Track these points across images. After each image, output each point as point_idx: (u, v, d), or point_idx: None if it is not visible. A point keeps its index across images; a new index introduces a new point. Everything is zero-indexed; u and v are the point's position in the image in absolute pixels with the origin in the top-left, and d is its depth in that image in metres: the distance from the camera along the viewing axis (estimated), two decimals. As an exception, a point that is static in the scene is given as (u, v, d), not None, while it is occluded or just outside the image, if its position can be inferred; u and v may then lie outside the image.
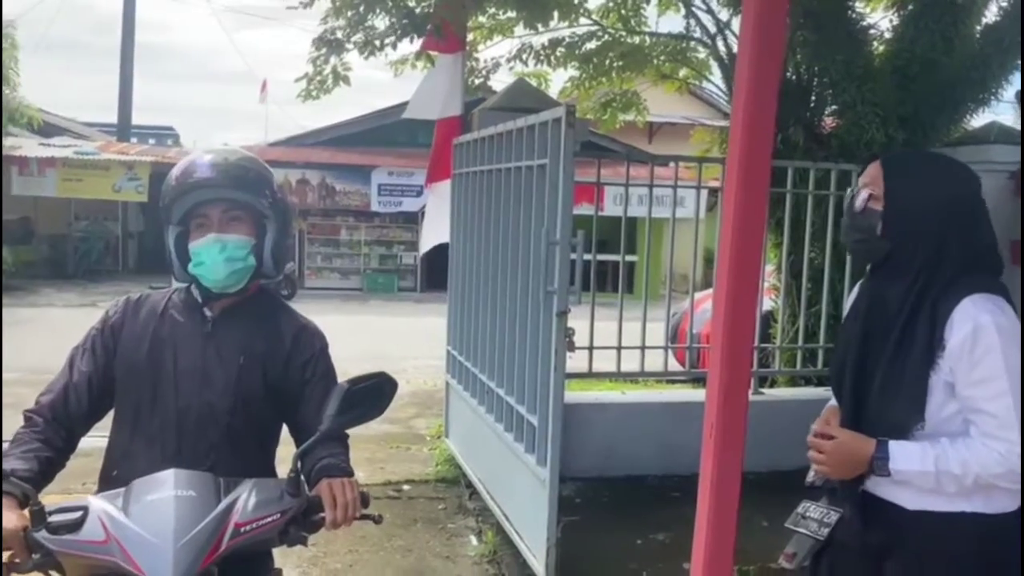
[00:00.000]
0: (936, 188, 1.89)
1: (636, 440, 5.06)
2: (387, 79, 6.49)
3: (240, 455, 1.87)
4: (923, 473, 1.78)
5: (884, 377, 1.85)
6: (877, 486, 1.91)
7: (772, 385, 5.95)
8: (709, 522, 2.46)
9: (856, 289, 2.16)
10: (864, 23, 6.04)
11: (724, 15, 6.70)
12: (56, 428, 1.85)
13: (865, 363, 1.92)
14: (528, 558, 3.64)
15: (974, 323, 1.74)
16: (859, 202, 1.96)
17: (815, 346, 5.43)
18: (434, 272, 17.42)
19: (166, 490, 1.59)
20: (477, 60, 7.66)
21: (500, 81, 8.39)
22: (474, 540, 4.34)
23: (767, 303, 5.97)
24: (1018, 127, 5.85)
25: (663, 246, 5.04)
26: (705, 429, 2.52)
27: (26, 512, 1.59)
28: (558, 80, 9.11)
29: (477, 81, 7.35)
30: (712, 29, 6.77)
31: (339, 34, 4.78)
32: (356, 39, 4.85)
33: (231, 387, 1.90)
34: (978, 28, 5.91)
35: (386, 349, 9.78)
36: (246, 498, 1.62)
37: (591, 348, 4.84)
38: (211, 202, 1.88)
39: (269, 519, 1.62)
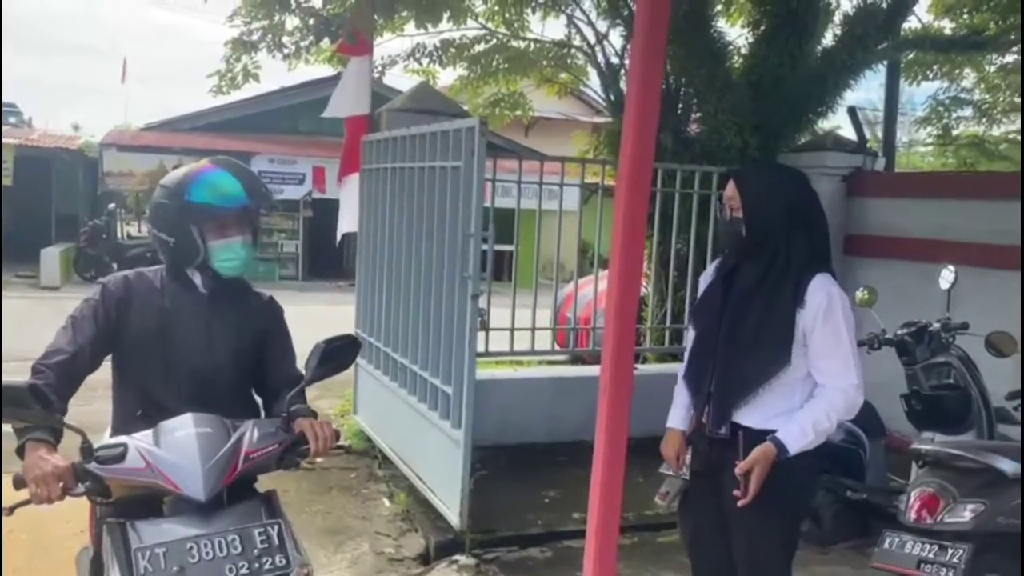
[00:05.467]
0: (778, 195, 2.52)
1: (526, 412, 5.63)
2: (264, 64, 6.65)
3: (240, 401, 2.35)
4: (809, 442, 2.40)
5: (757, 328, 2.45)
6: (740, 417, 2.49)
7: (644, 362, 6.65)
8: (603, 471, 3.01)
9: (710, 270, 2.78)
10: (724, 41, 6.82)
11: (603, 27, 7.35)
12: (64, 380, 2.17)
13: (735, 321, 2.51)
14: (443, 510, 4.14)
15: (827, 293, 2.41)
16: (726, 215, 2.58)
17: (681, 326, 6.14)
18: (316, 261, 17.46)
19: (188, 428, 2.03)
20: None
21: (394, 75, 8.80)
22: (387, 502, 4.80)
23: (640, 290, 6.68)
24: (852, 137, 6.81)
25: (545, 237, 5.59)
26: (600, 395, 3.07)
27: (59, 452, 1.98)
28: (446, 77, 9.57)
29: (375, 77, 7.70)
30: (592, 39, 7.40)
31: (255, 36, 5.08)
32: (268, 41, 5.15)
33: (233, 350, 2.36)
34: (818, 49, 6.79)
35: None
36: (251, 433, 2.10)
37: (487, 329, 5.35)
38: (234, 209, 2.31)
39: (270, 448, 2.10)
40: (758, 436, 2.46)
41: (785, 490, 2.46)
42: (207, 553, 1.85)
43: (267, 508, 2.05)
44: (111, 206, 15.88)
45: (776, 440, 2.40)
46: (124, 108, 58.01)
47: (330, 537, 4.26)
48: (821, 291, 2.40)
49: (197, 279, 2.37)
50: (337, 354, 2.24)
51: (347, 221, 5.54)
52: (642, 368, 6.32)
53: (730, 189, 2.58)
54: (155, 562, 1.82)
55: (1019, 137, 9.57)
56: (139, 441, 1.99)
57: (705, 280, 2.77)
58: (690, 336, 2.78)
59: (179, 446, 1.98)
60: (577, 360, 7.48)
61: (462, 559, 3.97)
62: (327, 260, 16.03)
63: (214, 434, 2.03)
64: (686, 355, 2.77)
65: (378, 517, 4.59)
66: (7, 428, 2.05)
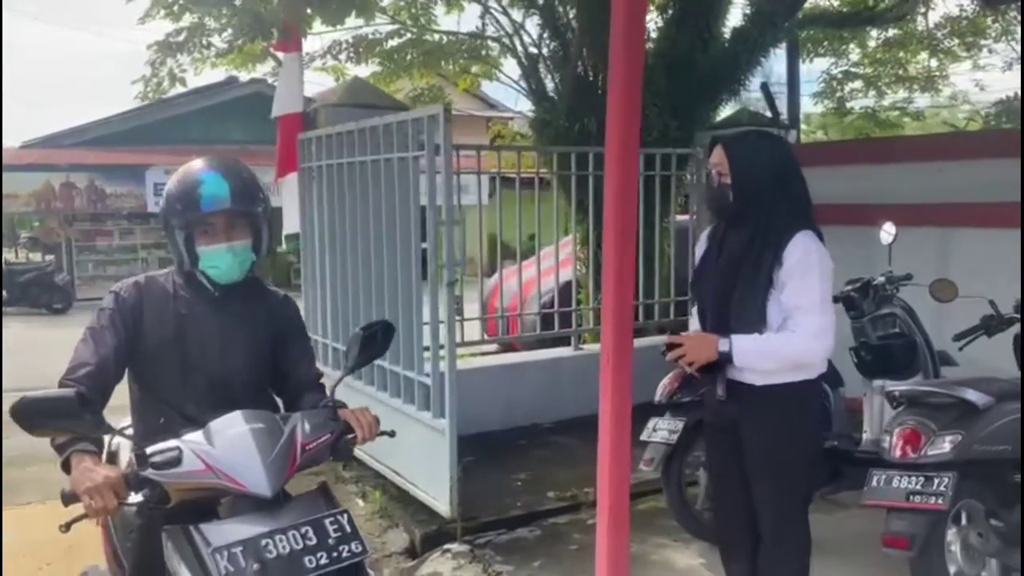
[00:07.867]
0: (765, 160, 2.65)
1: (480, 401, 5.63)
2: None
3: (261, 403, 2.27)
4: (750, 363, 2.54)
5: (744, 290, 2.58)
6: (735, 374, 2.63)
7: (583, 342, 6.75)
8: (612, 443, 3.08)
9: (704, 237, 2.89)
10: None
11: (518, 16, 7.42)
12: (96, 392, 2.07)
13: (726, 284, 2.64)
14: (428, 501, 4.13)
15: (804, 249, 2.53)
16: (714, 181, 2.69)
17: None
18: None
19: (240, 426, 1.98)
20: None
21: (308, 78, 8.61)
22: (360, 502, 4.74)
23: (569, 274, 6.78)
24: (765, 112, 7.13)
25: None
26: (602, 367, 3.14)
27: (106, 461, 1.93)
28: (359, 74, 9.45)
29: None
30: (509, 30, 7.46)
31: (181, 37, 4.89)
32: (194, 42, 4.98)
33: (250, 352, 2.30)
34: (727, 30, 7.06)
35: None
36: (302, 425, 2.06)
37: (436, 322, 5.34)
38: (217, 213, 2.19)
39: (323, 438, 2.08)
40: (757, 391, 2.60)
41: (803, 438, 2.61)
42: (283, 547, 1.82)
43: (326, 499, 2.03)
44: (-8, 231, 14.92)
45: (728, 343, 2.54)
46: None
47: (313, 541, 4.18)
48: (799, 248, 2.52)
49: (207, 281, 2.30)
50: (375, 339, 2.26)
51: (291, 222, 5.42)
52: (588, 348, 6.45)
53: (717, 156, 2.67)
54: (235, 561, 1.77)
55: (905, 105, 10.28)
56: (192, 443, 1.93)
57: (700, 249, 2.88)
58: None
59: (235, 444, 1.93)
60: (508, 348, 7.54)
61: (455, 547, 3.97)
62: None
63: (267, 429, 1.99)
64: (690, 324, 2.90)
65: (355, 517, 4.51)
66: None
